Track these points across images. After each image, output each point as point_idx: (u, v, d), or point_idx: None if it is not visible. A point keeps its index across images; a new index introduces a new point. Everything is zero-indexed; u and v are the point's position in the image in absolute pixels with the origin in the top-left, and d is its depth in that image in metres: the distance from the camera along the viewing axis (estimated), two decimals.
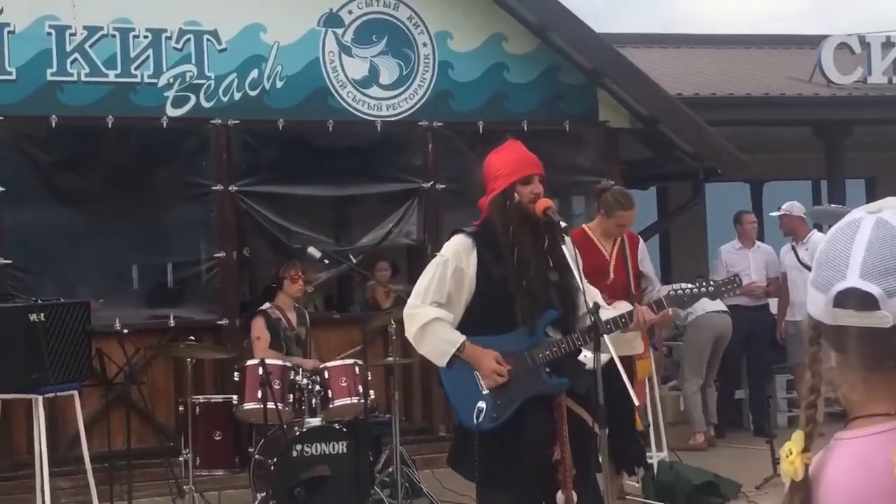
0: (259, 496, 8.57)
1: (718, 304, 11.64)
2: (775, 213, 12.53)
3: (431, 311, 5.42)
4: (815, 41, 15.96)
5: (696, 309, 11.62)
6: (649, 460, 9.50)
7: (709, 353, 12.00)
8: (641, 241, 8.83)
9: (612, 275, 8.21)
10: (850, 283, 1.75)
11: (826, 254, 1.82)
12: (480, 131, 11.32)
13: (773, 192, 17.10)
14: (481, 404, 5.34)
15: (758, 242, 12.72)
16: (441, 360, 5.43)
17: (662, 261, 16.68)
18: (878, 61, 15.13)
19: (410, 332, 5.50)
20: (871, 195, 18.10)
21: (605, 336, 5.21)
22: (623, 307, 7.49)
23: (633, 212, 8.42)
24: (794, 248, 12.16)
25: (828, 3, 40.82)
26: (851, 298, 1.74)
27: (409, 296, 5.81)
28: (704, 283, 5.92)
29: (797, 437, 1.77)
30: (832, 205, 12.80)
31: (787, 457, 1.77)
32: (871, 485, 1.66)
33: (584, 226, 8.63)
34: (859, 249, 1.76)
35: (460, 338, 5.39)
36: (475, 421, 5.31)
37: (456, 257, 5.49)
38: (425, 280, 5.52)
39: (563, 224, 5.46)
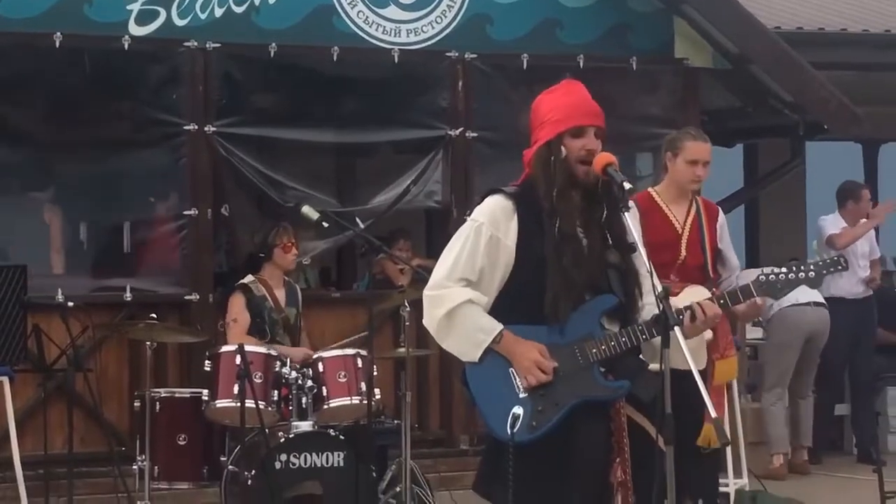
0: None
1: (812, 295, 11.58)
2: None
3: (462, 293, 5.39)
4: None
5: (782, 300, 11.55)
6: (724, 488, 9.51)
7: (796, 356, 11.95)
8: (721, 212, 8.80)
9: (683, 252, 8.19)
10: None
11: None
12: (525, 66, 11.32)
13: (891, 155, 17.06)
14: (517, 410, 5.31)
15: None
16: (474, 354, 5.40)
17: (748, 239, 16.66)
18: None
19: (434, 318, 5.46)
20: None
21: (676, 329, 5.18)
22: (699, 294, 7.47)
23: (707, 146, 8.37)
24: None
25: None
26: None
27: (429, 273, 5.79)
28: (802, 267, 5.89)
29: None
30: None
31: None
32: None
33: (649, 189, 8.61)
34: None
35: (497, 326, 5.37)
36: (509, 431, 5.29)
37: (492, 223, 5.47)
38: (453, 252, 5.50)
39: (627, 185, 5.41)
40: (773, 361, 12.08)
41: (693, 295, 5.92)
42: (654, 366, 5.37)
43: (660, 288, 5.25)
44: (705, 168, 8.36)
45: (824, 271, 5.85)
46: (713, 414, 5.38)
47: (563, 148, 5.44)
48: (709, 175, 8.53)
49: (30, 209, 10.75)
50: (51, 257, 10.90)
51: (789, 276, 5.78)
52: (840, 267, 5.96)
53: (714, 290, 7.71)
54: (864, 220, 12.38)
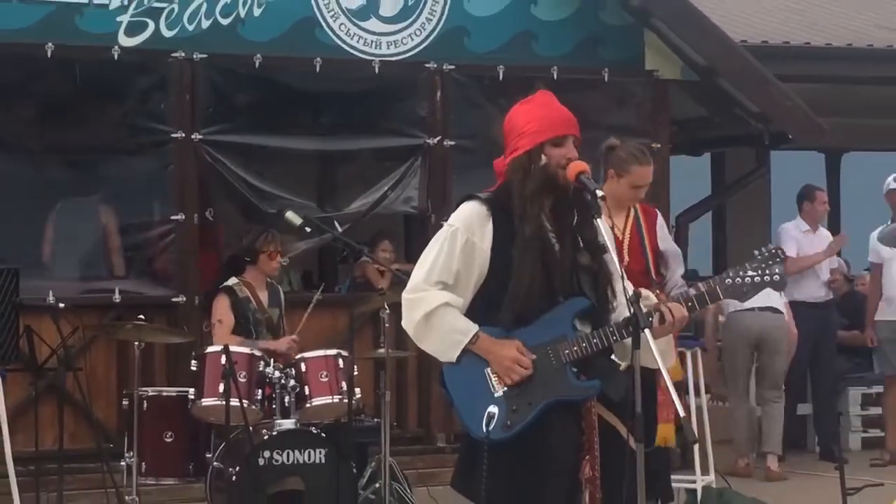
0: None
1: (762, 300, 11.53)
2: (894, 185, 12.17)
3: (439, 296, 5.39)
4: None
5: (728, 305, 11.55)
6: (692, 485, 9.53)
7: (746, 359, 11.90)
8: (660, 215, 8.78)
9: (626, 258, 8.16)
10: None
11: None
12: (500, 77, 11.32)
13: (853, 164, 17.11)
14: (493, 409, 5.31)
15: (819, 226, 12.63)
16: (451, 355, 5.40)
17: (715, 244, 16.67)
18: None
19: (412, 321, 5.45)
20: None
21: (646, 331, 5.18)
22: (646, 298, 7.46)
23: (651, 169, 8.36)
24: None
25: None
26: None
27: (407, 276, 5.78)
28: (760, 270, 5.83)
29: None
30: None
31: None
32: None
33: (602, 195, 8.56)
34: None
35: (473, 327, 5.37)
36: (484, 429, 5.29)
37: (467, 228, 5.46)
38: (430, 256, 5.49)
39: (599, 192, 5.41)
40: (728, 364, 12.04)
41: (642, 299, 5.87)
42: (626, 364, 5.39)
43: (631, 291, 5.27)
44: (647, 188, 8.35)
45: (764, 265, 5.78)
46: (682, 413, 5.39)
47: (543, 157, 5.44)
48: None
49: (22, 213, 10.71)
50: (111, 259, 10.94)
51: (755, 278, 5.75)
52: (778, 259, 5.90)
53: (658, 293, 7.66)
54: (818, 252, 12.32)
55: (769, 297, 11.56)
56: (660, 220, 8.65)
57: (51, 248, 10.83)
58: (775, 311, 11.73)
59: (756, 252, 5.84)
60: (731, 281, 5.74)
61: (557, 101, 5.67)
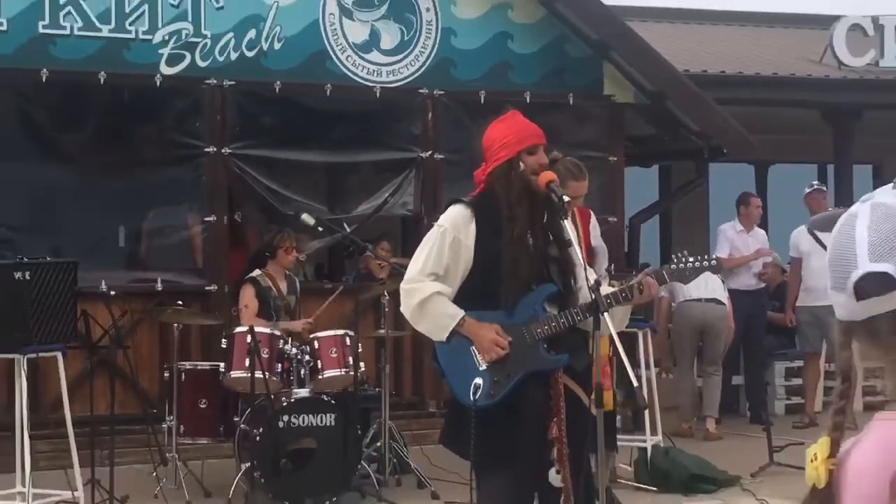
0: (243, 467, 8.58)
1: (708, 291, 11.58)
2: (808, 190, 12.38)
3: (431, 286, 5.40)
4: (827, 21, 15.97)
5: (678, 295, 11.59)
6: (643, 444, 9.54)
7: (691, 341, 11.90)
8: (593, 215, 8.78)
9: None
10: (861, 269, 1.76)
11: (834, 252, 1.83)
12: (482, 101, 11.30)
13: (778, 174, 17.12)
14: (478, 381, 5.32)
15: (754, 227, 12.65)
16: (441, 335, 5.41)
17: (662, 242, 16.69)
18: (891, 44, 15.12)
19: (409, 307, 5.46)
20: (879, 181, 18.11)
21: (605, 314, 5.21)
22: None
23: (585, 183, 8.35)
24: (812, 233, 11.81)
25: None
26: (870, 284, 1.75)
27: (403, 268, 5.79)
28: (699, 258, 5.84)
29: (823, 443, 1.77)
30: (833, 210, 12.61)
31: (812, 462, 1.77)
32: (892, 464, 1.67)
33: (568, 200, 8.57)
34: (862, 236, 1.77)
35: (460, 312, 5.38)
36: (472, 398, 5.30)
37: (454, 228, 5.47)
38: (423, 252, 5.50)
39: (566, 199, 5.44)
40: (676, 344, 12.07)
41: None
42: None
43: (592, 280, 5.29)
44: (581, 198, 8.33)
45: (696, 264, 5.81)
46: (635, 383, 5.41)
47: (521, 164, 5.46)
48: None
49: (81, 214, 10.71)
50: (195, 258, 10.96)
51: (696, 263, 5.77)
52: (713, 263, 5.93)
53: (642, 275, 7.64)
54: (751, 252, 12.36)
55: (714, 291, 11.63)
56: (593, 220, 8.65)
57: (146, 245, 10.86)
58: (719, 302, 11.77)
59: (698, 257, 5.89)
60: (674, 267, 5.77)
61: (523, 116, 5.70)
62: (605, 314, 5.20)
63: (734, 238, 12.36)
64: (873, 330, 1.77)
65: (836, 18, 15.44)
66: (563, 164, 8.24)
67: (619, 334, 5.42)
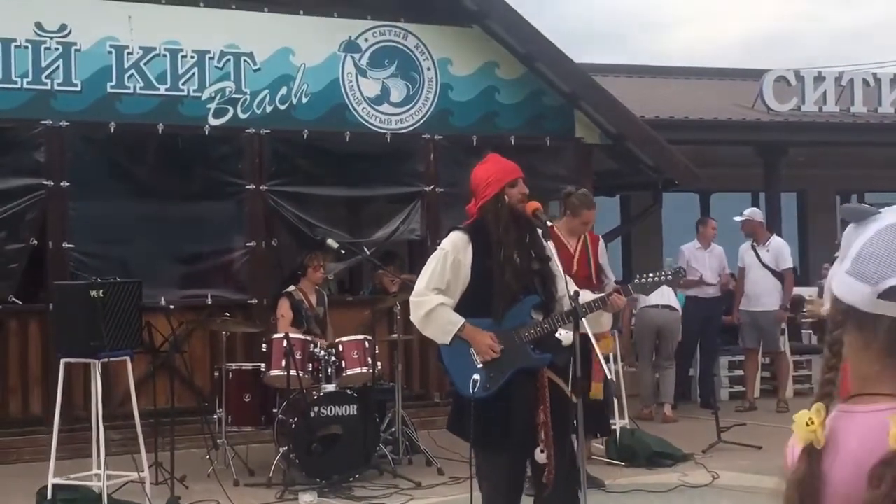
0: (281, 450, 8.56)
1: (664, 299, 11.54)
2: (738, 218, 12.37)
3: (436, 298, 5.38)
4: (757, 74, 16.06)
5: (642, 302, 11.54)
6: (613, 426, 9.49)
7: (650, 341, 11.84)
8: (601, 239, 8.79)
9: (575, 267, 8.12)
10: None
11: (874, 248, 1.72)
12: (474, 144, 11.26)
13: (718, 202, 17.11)
14: (476, 376, 5.31)
15: (712, 244, 12.60)
16: (445, 339, 5.39)
17: (624, 259, 16.65)
18: (810, 93, 15.36)
19: (417, 317, 5.44)
20: (802, 206, 18.14)
21: (583, 320, 5.19)
22: (587, 294, 7.44)
23: (595, 212, 8.37)
24: (754, 249, 12.03)
25: (768, 43, 41.35)
26: None
27: (412, 282, 5.75)
28: (662, 273, 5.84)
29: (817, 409, 1.70)
30: (862, 204, 12.47)
31: (809, 425, 1.69)
32: (877, 454, 1.61)
33: (553, 225, 8.55)
34: None
35: (461, 320, 5.36)
36: (471, 391, 5.28)
37: (454, 250, 5.45)
38: (428, 270, 5.48)
39: (549, 223, 5.45)
40: (638, 342, 12.07)
41: (584, 295, 5.87)
42: (566, 342, 5.40)
43: (572, 290, 5.26)
44: (592, 223, 8.37)
45: (670, 277, 5.81)
46: (609, 376, 5.38)
47: (506, 196, 5.43)
48: (598, 216, 8.56)
49: (143, 240, 10.65)
50: (238, 276, 10.80)
51: (655, 279, 5.77)
52: (679, 275, 5.93)
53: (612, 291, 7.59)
54: (706, 267, 12.28)
55: (669, 299, 11.61)
56: (601, 243, 8.67)
57: (198, 266, 10.80)
58: (672, 308, 11.79)
59: (666, 268, 5.89)
60: (638, 281, 5.77)
61: (501, 156, 5.69)
62: (584, 320, 5.18)
63: (690, 256, 12.28)
64: (869, 328, 1.70)
65: (765, 71, 15.55)
66: (577, 196, 8.28)
67: (598, 335, 5.40)
